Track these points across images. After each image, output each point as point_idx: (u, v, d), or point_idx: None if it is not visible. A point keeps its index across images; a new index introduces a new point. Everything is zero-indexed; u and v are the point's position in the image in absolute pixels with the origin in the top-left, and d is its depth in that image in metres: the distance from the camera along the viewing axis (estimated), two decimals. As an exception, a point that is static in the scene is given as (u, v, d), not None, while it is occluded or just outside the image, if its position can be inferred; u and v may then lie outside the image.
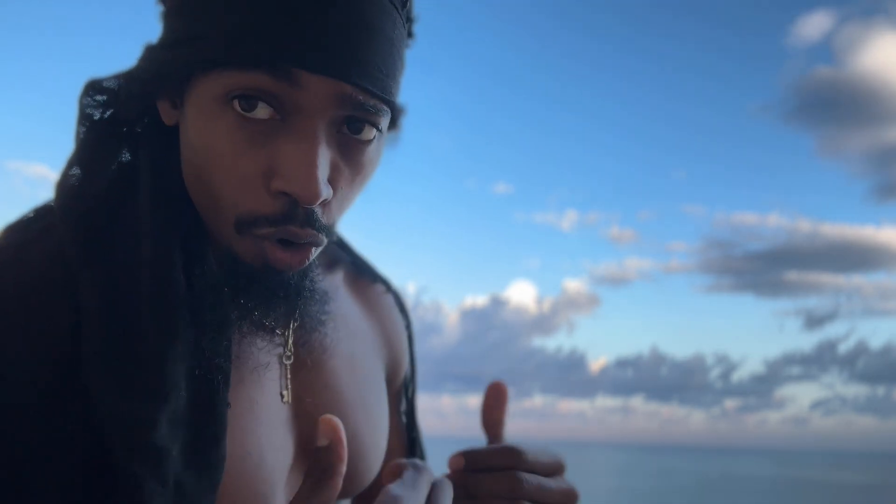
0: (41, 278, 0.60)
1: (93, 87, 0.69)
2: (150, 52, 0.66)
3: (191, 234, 0.65)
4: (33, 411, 0.55)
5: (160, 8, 0.66)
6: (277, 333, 0.73)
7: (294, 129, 0.59)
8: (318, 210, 0.61)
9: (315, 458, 0.53)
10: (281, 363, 0.73)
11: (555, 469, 0.67)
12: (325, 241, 0.64)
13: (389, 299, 0.93)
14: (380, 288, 0.92)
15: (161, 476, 0.55)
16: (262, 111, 0.58)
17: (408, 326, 0.94)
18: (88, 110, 0.69)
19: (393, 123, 0.66)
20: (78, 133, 0.68)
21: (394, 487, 0.54)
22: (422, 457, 0.96)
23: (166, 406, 0.57)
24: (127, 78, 0.68)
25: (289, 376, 0.73)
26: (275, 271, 0.64)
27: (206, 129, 0.60)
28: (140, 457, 0.55)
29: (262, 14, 0.56)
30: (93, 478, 0.55)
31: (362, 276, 0.90)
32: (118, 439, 0.55)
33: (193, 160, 0.63)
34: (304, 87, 0.57)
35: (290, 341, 0.74)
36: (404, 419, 0.95)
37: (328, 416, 0.54)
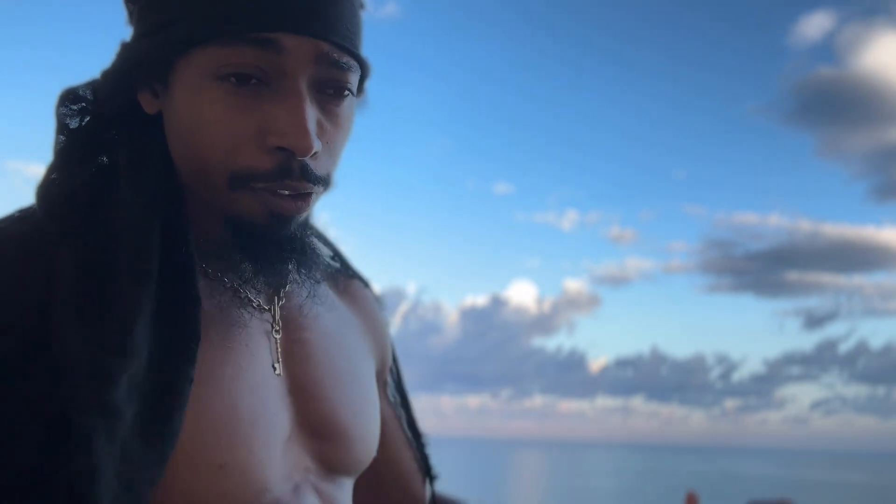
0: (18, 247, 0.63)
1: (68, 96, 0.72)
2: (127, 47, 0.70)
3: (172, 216, 0.69)
4: (5, 355, 0.58)
5: (130, 7, 0.70)
6: (265, 308, 0.76)
7: (281, 91, 0.64)
8: (310, 163, 0.66)
9: None
10: (270, 337, 0.75)
11: None
12: (322, 190, 0.70)
13: (369, 294, 0.95)
14: (358, 283, 0.95)
15: (112, 435, 0.57)
16: (248, 82, 0.64)
17: (385, 320, 0.97)
18: (66, 120, 0.72)
19: (360, 83, 0.72)
20: (57, 142, 0.71)
21: None
22: (420, 442, 0.99)
23: (126, 366, 0.59)
24: (105, 77, 0.71)
25: (279, 349, 0.75)
26: (280, 221, 0.67)
27: (196, 102, 0.65)
28: (95, 411, 0.56)
29: None
30: (48, 432, 0.57)
31: (342, 271, 0.93)
32: (76, 392, 0.57)
33: (183, 135, 0.67)
34: (286, 51, 0.63)
35: (278, 316, 0.77)
36: (401, 411, 0.98)
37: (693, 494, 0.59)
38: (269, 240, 0.69)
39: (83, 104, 0.72)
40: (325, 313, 0.83)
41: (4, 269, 0.62)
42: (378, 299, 0.97)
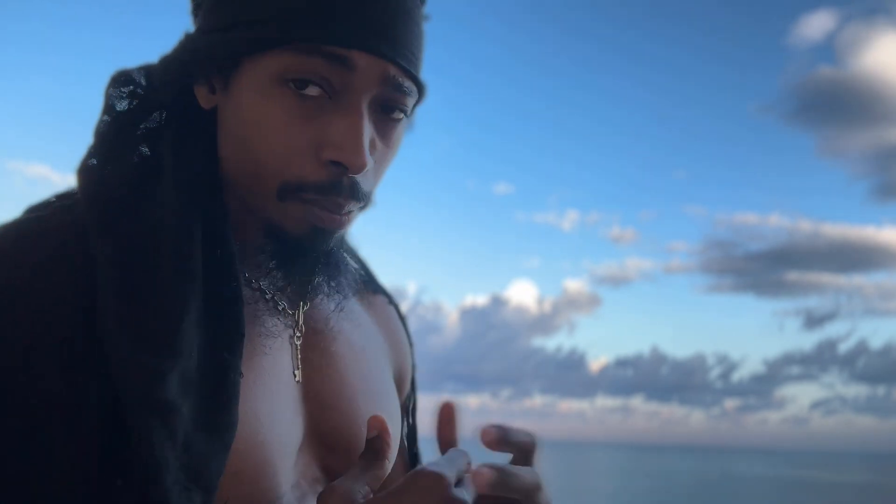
0: (59, 243, 0.62)
1: (120, 78, 0.72)
2: (193, 38, 0.69)
3: (213, 215, 0.68)
4: (49, 363, 0.58)
5: (199, 0, 0.70)
6: (289, 314, 0.75)
7: (342, 106, 0.65)
8: (361, 180, 0.67)
9: (367, 444, 0.62)
10: (292, 343, 0.75)
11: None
12: (364, 207, 0.70)
13: (394, 311, 0.93)
14: (384, 299, 0.93)
15: (170, 429, 0.57)
16: (312, 90, 0.64)
17: (409, 341, 0.95)
18: (113, 101, 0.71)
19: (414, 107, 0.72)
20: (101, 123, 0.70)
21: (430, 462, 0.57)
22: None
23: (177, 363, 0.59)
24: (164, 64, 0.71)
25: (300, 356, 0.75)
26: (321, 234, 0.68)
27: (259, 105, 0.65)
28: (149, 408, 0.57)
29: None
30: (105, 431, 0.57)
31: (368, 285, 0.91)
32: (129, 391, 0.57)
33: (239, 136, 0.67)
34: (357, 69, 0.64)
35: (301, 322, 0.76)
36: (405, 440, 0.95)
37: (375, 414, 0.62)
38: (307, 252, 0.70)
39: (134, 87, 0.72)
40: (350, 326, 0.82)
41: (48, 264, 0.61)
42: (403, 317, 0.95)
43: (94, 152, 0.68)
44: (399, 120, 0.70)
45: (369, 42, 0.63)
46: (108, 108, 0.71)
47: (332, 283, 0.74)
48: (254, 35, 0.64)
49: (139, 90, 0.72)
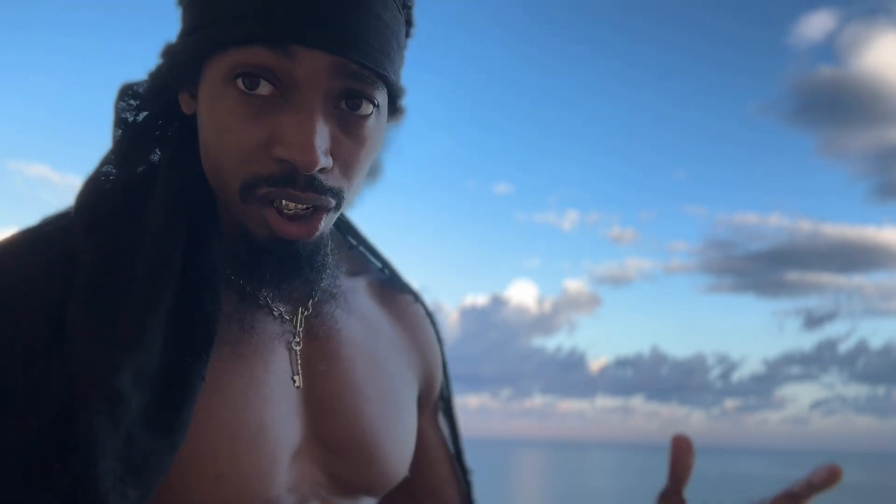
0: (44, 244, 0.66)
1: (127, 91, 0.74)
2: (168, 46, 0.70)
3: (200, 223, 0.69)
4: (18, 352, 0.60)
5: (178, 3, 0.70)
6: (286, 319, 0.75)
7: (293, 102, 0.63)
8: (319, 176, 0.65)
9: (673, 470, 0.65)
10: (290, 349, 0.74)
11: None
12: (334, 203, 0.67)
13: (419, 310, 0.91)
14: (408, 298, 0.91)
15: (115, 420, 0.58)
16: (263, 88, 0.63)
17: (439, 339, 0.92)
18: (123, 114, 0.73)
19: (393, 104, 0.71)
20: (114, 136, 0.73)
21: None
22: (466, 474, 0.94)
23: (134, 356, 0.60)
24: (150, 75, 0.72)
25: (299, 362, 0.74)
26: (282, 243, 0.67)
27: (214, 108, 0.65)
28: (97, 396, 0.58)
29: None
30: (56, 419, 0.58)
31: (390, 284, 0.89)
32: (82, 377, 0.58)
33: (206, 141, 0.68)
34: (299, 61, 0.62)
35: (300, 328, 0.76)
36: (450, 443, 0.94)
37: (681, 435, 0.63)
38: (277, 259, 0.69)
39: (139, 100, 0.73)
40: (359, 327, 0.80)
41: (27, 267, 0.64)
42: (431, 315, 0.93)
43: (109, 160, 0.71)
44: (367, 115, 0.67)
45: (305, 35, 0.62)
46: (120, 122, 0.73)
47: (326, 289, 0.74)
48: (207, 37, 0.64)
49: (143, 102, 0.73)
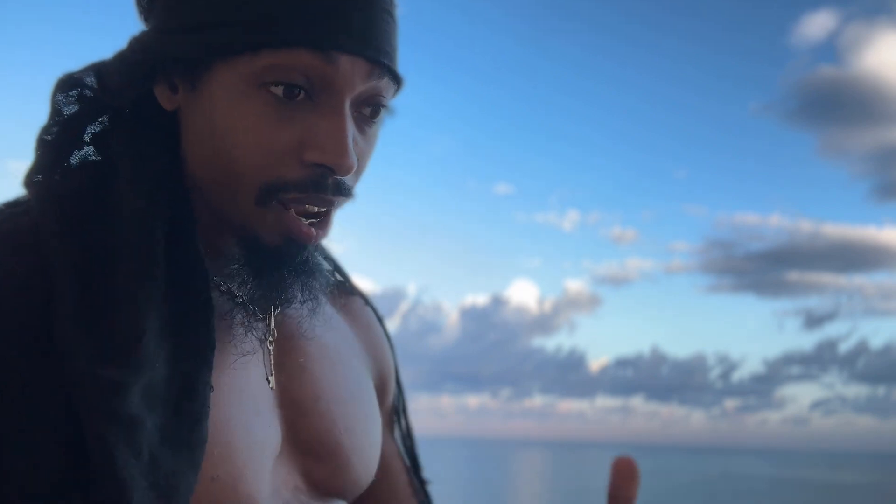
0: (13, 244, 0.60)
1: (68, 82, 0.69)
2: (150, 37, 0.66)
3: (178, 219, 0.66)
4: (5, 378, 0.55)
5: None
6: (260, 318, 0.73)
7: (324, 106, 0.63)
8: (344, 178, 0.66)
9: (612, 493, 0.61)
10: (264, 349, 0.73)
11: None
12: (343, 203, 0.69)
13: (369, 312, 0.91)
14: (359, 301, 0.91)
15: (133, 445, 0.54)
16: (294, 92, 0.63)
17: (390, 343, 0.93)
18: (62, 107, 0.69)
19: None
20: (48, 129, 0.68)
21: None
22: (420, 475, 0.94)
23: (139, 375, 0.56)
24: (120, 64, 0.68)
25: (272, 362, 0.73)
26: (294, 246, 0.66)
27: (235, 108, 0.63)
28: (110, 422, 0.54)
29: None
30: (66, 449, 0.54)
31: (342, 286, 0.89)
32: (87, 405, 0.54)
33: (209, 138, 0.65)
34: (338, 66, 0.62)
35: (272, 326, 0.75)
36: (400, 442, 0.94)
37: (624, 458, 0.59)
38: (283, 263, 0.67)
39: (82, 90, 0.69)
40: (323, 329, 0.79)
41: (3, 269, 0.59)
42: (380, 317, 0.93)
43: (39, 162, 0.66)
44: (378, 117, 0.69)
45: (350, 42, 0.62)
46: (56, 114, 0.68)
47: (307, 290, 0.71)
48: (228, 37, 0.62)
49: (87, 92, 0.69)
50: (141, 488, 0.54)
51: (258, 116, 0.63)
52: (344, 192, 0.66)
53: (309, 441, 0.73)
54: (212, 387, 0.62)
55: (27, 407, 0.55)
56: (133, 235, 0.61)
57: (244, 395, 0.68)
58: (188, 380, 0.61)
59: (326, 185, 0.64)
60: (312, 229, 0.66)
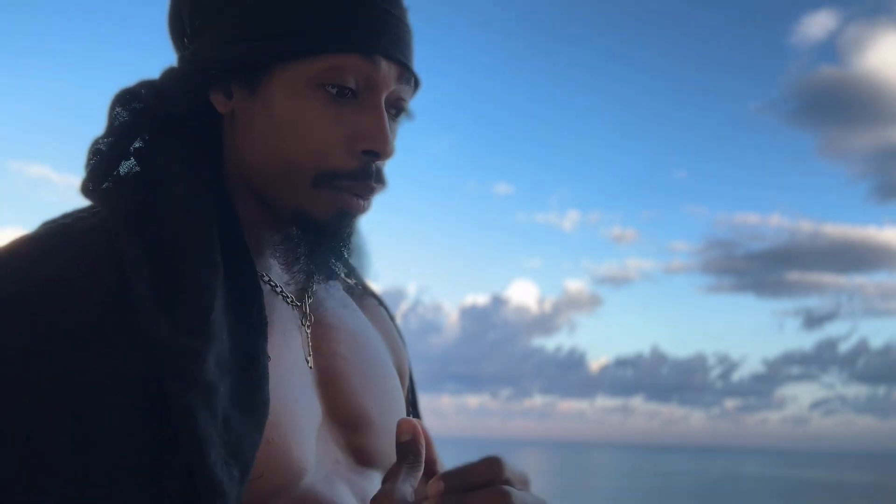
0: (90, 242, 0.69)
1: (125, 96, 0.78)
2: (209, 51, 0.76)
3: (224, 214, 0.75)
4: (92, 355, 0.63)
5: (198, 18, 0.77)
6: (297, 304, 0.82)
7: (366, 103, 0.76)
8: (382, 166, 0.78)
9: (401, 447, 0.65)
10: (302, 332, 0.81)
11: (526, 481, 0.64)
12: (381, 191, 0.80)
13: (384, 312, 0.98)
14: (373, 300, 0.98)
15: (212, 408, 0.62)
16: (344, 92, 0.75)
17: (403, 342, 0.99)
18: (118, 119, 0.77)
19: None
20: (104, 141, 0.76)
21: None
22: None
23: (213, 345, 0.65)
24: (177, 77, 0.77)
25: (310, 342, 0.82)
26: (346, 217, 0.77)
27: (295, 106, 0.74)
28: (192, 388, 0.62)
29: (347, 9, 0.74)
30: (150, 413, 0.62)
31: (356, 287, 0.95)
32: (171, 372, 0.62)
33: (268, 136, 0.75)
34: (379, 69, 0.75)
35: (307, 310, 0.83)
36: None
37: (406, 419, 0.66)
38: (334, 235, 0.77)
39: (139, 104, 0.77)
40: (350, 315, 0.89)
41: (79, 258, 0.67)
42: (394, 319, 1.00)
43: (93, 170, 0.74)
44: (399, 118, 0.81)
45: (390, 49, 0.75)
46: (110, 125, 0.77)
47: (338, 268, 0.81)
48: (291, 44, 0.73)
49: (146, 105, 0.77)
50: (217, 445, 0.61)
51: (316, 112, 0.74)
52: (383, 179, 0.78)
53: (346, 415, 0.80)
54: (268, 355, 0.70)
55: (113, 374, 0.63)
56: (193, 230, 0.70)
57: (290, 372, 0.76)
58: (249, 351, 0.69)
59: (371, 173, 0.76)
60: (361, 201, 0.77)
